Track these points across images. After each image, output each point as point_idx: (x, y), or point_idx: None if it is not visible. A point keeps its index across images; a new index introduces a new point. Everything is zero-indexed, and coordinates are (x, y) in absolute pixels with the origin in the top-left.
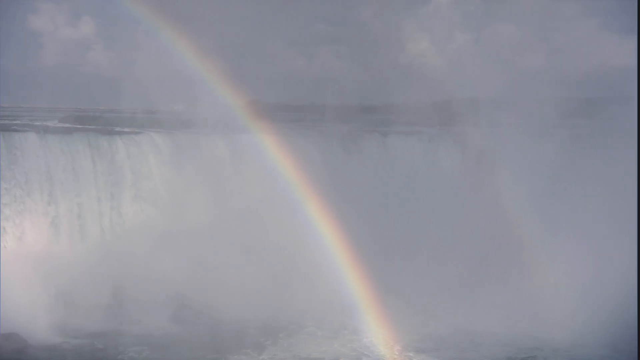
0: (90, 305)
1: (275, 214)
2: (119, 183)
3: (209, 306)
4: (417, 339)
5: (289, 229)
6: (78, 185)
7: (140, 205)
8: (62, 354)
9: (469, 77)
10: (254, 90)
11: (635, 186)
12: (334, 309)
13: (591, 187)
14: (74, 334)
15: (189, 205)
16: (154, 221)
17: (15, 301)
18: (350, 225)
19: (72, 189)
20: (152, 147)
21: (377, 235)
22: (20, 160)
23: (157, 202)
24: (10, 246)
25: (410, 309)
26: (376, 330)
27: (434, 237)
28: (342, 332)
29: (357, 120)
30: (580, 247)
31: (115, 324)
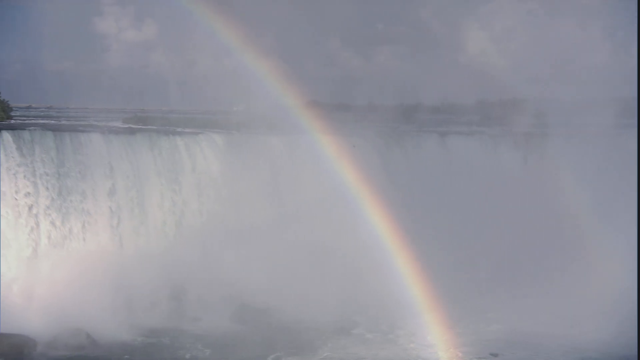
0: (153, 303)
1: (333, 214)
2: (179, 183)
3: (267, 306)
4: (474, 341)
5: (346, 229)
6: (140, 186)
7: (200, 205)
8: (126, 350)
9: (530, 76)
10: (312, 91)
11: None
12: (390, 310)
13: None
14: (138, 332)
15: (248, 206)
16: (214, 221)
17: (81, 299)
18: (407, 226)
19: (134, 189)
20: (212, 147)
21: (434, 236)
22: (86, 161)
23: (218, 203)
24: (75, 246)
25: (467, 311)
26: (432, 333)
27: (493, 238)
28: (396, 335)
29: (416, 120)
30: None
31: (176, 322)
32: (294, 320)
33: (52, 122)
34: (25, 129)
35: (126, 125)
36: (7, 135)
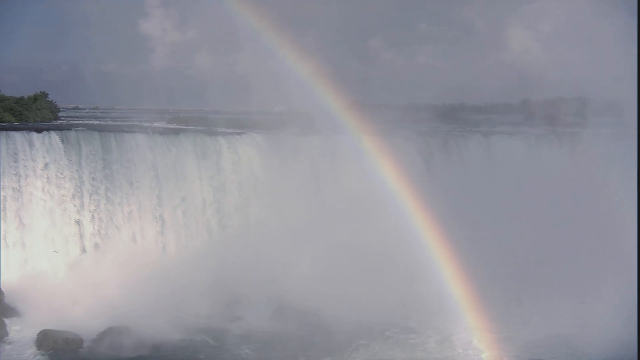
0: (196, 303)
1: (374, 215)
2: (222, 183)
3: (307, 306)
4: (517, 346)
5: (387, 231)
6: (184, 186)
7: (242, 206)
8: (170, 349)
9: (575, 76)
10: (353, 91)
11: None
12: (430, 313)
13: None
14: (182, 331)
15: (290, 205)
16: (256, 221)
17: (126, 298)
18: (449, 227)
19: (179, 190)
20: (254, 148)
21: (476, 237)
22: (130, 161)
23: (259, 203)
24: (120, 246)
25: (510, 314)
26: (474, 337)
27: (537, 240)
28: (435, 338)
29: (458, 120)
30: None
31: (219, 321)
32: (334, 322)
33: (98, 122)
34: (71, 130)
35: (170, 126)
36: (54, 135)
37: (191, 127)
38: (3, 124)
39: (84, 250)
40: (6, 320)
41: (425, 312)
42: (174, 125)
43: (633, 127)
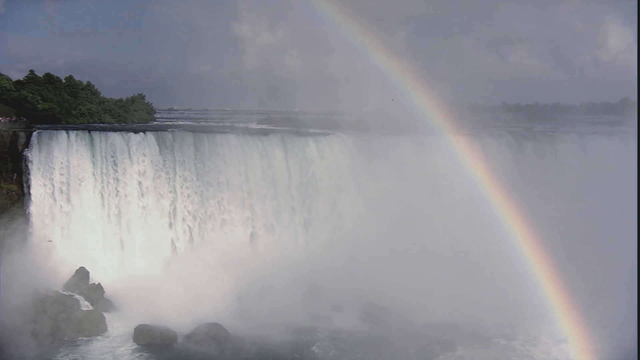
0: (285, 301)
1: (465, 214)
2: (311, 184)
3: (395, 306)
4: (610, 350)
5: (478, 231)
6: (273, 187)
7: (331, 207)
8: (258, 345)
9: None
10: (444, 91)
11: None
12: (522, 315)
13: None
14: (271, 328)
15: (378, 207)
16: (344, 222)
17: (218, 296)
18: (544, 229)
19: (268, 190)
20: (342, 149)
21: (572, 238)
22: (222, 162)
23: (347, 203)
24: (212, 245)
25: (604, 317)
26: (566, 340)
27: (632, 241)
28: (529, 341)
29: (553, 121)
30: None
31: (307, 320)
32: (422, 322)
33: (191, 123)
34: (167, 130)
35: (260, 126)
36: (150, 136)
37: (281, 128)
38: (103, 124)
39: (177, 248)
40: (106, 315)
41: (516, 314)
42: (264, 126)
43: None
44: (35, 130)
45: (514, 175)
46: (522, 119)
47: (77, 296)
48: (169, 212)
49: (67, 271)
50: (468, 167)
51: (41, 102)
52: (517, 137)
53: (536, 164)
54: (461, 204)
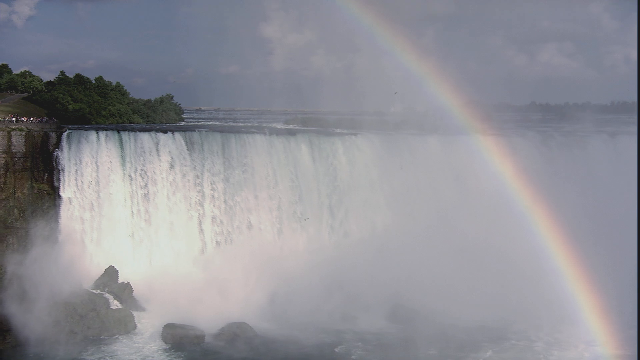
0: (312, 302)
1: (494, 215)
2: (338, 185)
3: (422, 306)
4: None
5: (506, 231)
6: (302, 187)
7: (359, 207)
8: (286, 345)
9: None
10: (472, 90)
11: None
12: (550, 316)
13: None
14: (298, 328)
15: (407, 207)
16: (373, 223)
17: (245, 296)
18: (573, 229)
19: (296, 190)
20: (371, 149)
21: (602, 240)
22: (249, 162)
23: (375, 204)
24: (240, 245)
25: (635, 319)
26: (595, 341)
27: None
28: (555, 343)
29: (583, 120)
30: None
31: (335, 320)
32: (450, 323)
33: (219, 123)
34: (195, 130)
35: (287, 127)
36: (179, 136)
37: (308, 128)
38: (133, 125)
39: (205, 247)
40: (135, 314)
41: (546, 314)
42: (292, 126)
43: None
44: (65, 131)
45: (544, 176)
46: (551, 119)
47: (107, 295)
48: (198, 212)
49: (96, 270)
50: (497, 168)
51: (72, 102)
52: (546, 137)
53: (566, 164)
54: (491, 205)
